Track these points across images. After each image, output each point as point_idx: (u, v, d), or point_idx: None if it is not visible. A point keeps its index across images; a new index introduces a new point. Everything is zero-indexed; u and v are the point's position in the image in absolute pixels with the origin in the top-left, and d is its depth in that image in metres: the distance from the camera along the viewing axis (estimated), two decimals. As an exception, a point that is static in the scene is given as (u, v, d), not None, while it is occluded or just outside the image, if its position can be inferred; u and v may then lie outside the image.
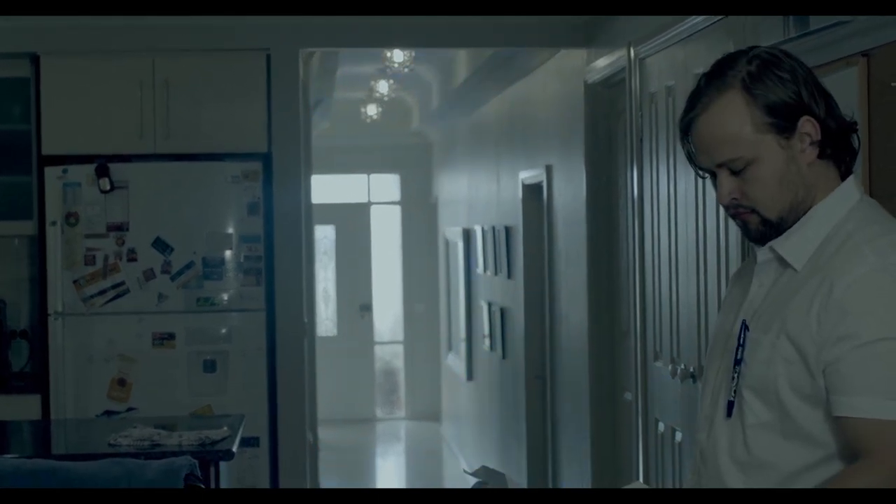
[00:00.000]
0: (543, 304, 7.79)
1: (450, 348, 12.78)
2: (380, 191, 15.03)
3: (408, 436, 14.06)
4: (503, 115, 9.36)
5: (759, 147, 2.34)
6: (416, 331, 14.65)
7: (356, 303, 14.71)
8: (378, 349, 14.86)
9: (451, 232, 12.30)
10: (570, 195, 7.02)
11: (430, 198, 14.33)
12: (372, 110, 12.86)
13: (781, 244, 2.39)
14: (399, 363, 14.88)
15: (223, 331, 6.54)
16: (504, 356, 9.14)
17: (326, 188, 13.89)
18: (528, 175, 8.19)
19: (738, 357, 2.38)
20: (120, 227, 6.51)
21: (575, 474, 7.03)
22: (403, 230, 14.86)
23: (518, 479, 8.58)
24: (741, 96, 2.34)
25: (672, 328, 5.31)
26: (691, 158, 2.44)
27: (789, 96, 2.33)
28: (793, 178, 2.35)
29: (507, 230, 8.89)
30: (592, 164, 6.56)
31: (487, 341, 9.85)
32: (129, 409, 6.43)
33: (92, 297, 6.49)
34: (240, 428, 5.00)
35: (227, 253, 6.56)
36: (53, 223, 6.47)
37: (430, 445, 13.13)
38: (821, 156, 2.36)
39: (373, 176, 15.00)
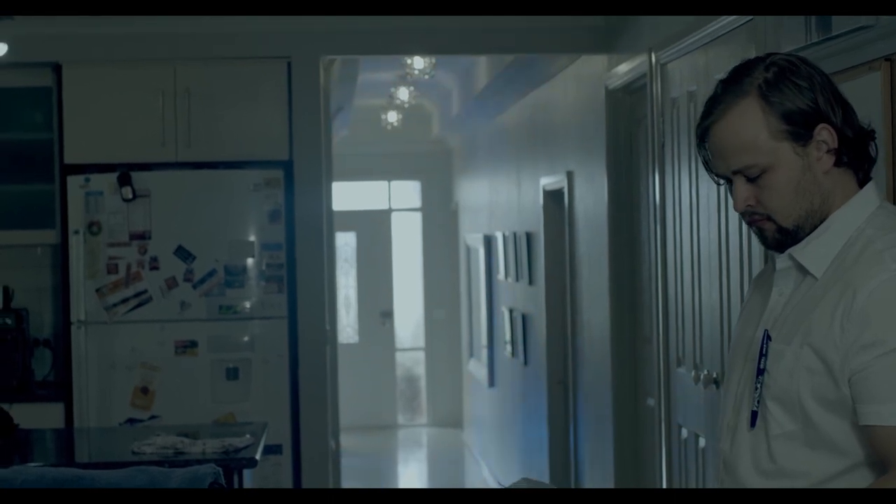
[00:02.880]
0: (565, 309, 7.78)
1: (471, 355, 12.77)
2: (401, 197, 15.03)
3: (429, 442, 14.05)
4: (524, 121, 9.35)
5: (775, 155, 2.33)
6: (437, 337, 14.64)
7: (377, 309, 14.71)
8: (399, 356, 14.85)
9: (472, 238, 12.30)
10: (591, 201, 7.02)
11: (451, 204, 14.33)
12: (392, 117, 12.87)
13: (800, 252, 2.37)
14: (420, 370, 14.88)
15: (245, 338, 6.55)
16: (526, 362, 9.14)
17: (347, 195, 13.91)
18: (549, 181, 8.18)
19: (761, 367, 2.36)
20: (142, 236, 6.53)
21: (598, 481, 7.02)
22: (424, 237, 14.86)
23: (540, 485, 8.56)
24: (758, 103, 2.33)
25: (695, 334, 5.29)
26: (707, 165, 2.43)
27: (806, 104, 2.31)
28: (808, 186, 2.34)
29: (529, 236, 8.88)
30: (614, 170, 6.55)
31: (509, 347, 9.84)
32: (152, 417, 6.45)
33: (114, 305, 6.51)
34: (262, 435, 5.01)
35: (249, 261, 6.57)
36: (76, 232, 6.49)
37: (452, 452, 13.12)
38: (837, 163, 2.34)
39: (394, 183, 15.01)
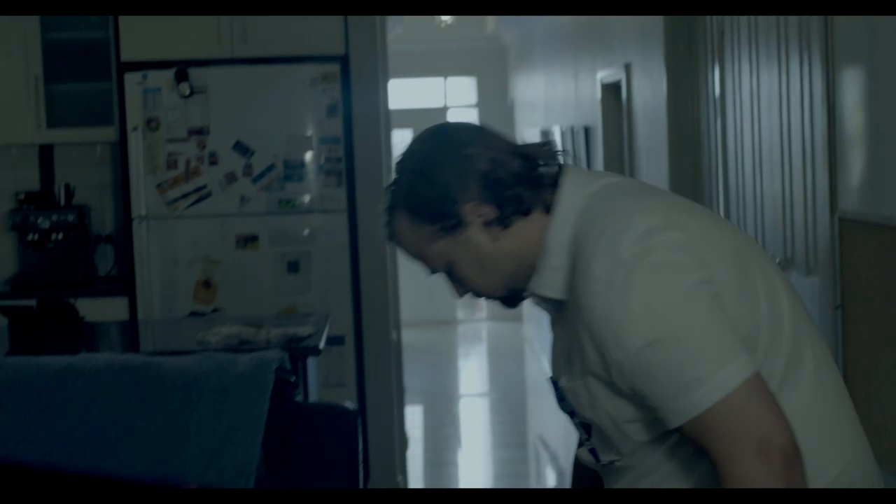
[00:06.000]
0: (624, 203, 7.73)
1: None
2: (456, 94, 14.98)
3: (489, 337, 14.12)
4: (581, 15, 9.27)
5: (443, 255, 2.25)
6: (495, 235, 14.63)
7: (435, 206, 14.69)
8: (458, 252, 14.88)
9: (529, 133, 12.25)
10: (649, 94, 6.96)
11: (507, 100, 14.26)
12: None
13: (537, 284, 2.26)
14: (479, 266, 14.90)
15: (305, 232, 6.58)
16: (584, 256, 9.12)
17: (403, 93, 13.87)
18: (606, 74, 8.12)
19: (570, 410, 2.29)
20: (200, 132, 6.55)
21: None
22: (481, 133, 14.78)
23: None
24: (405, 215, 2.25)
25: (756, 224, 5.27)
26: None
27: (444, 198, 2.20)
28: (491, 261, 2.24)
29: (586, 130, 8.84)
30: (672, 62, 6.48)
31: (567, 242, 9.81)
32: (215, 311, 6.51)
33: (175, 200, 6.55)
34: (325, 326, 5.04)
35: (308, 155, 6.58)
36: (135, 129, 6.52)
37: (511, 346, 13.17)
38: (507, 224, 2.23)
39: (449, 79, 14.95)
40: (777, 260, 4.93)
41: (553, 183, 2.24)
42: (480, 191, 2.20)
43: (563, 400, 2.28)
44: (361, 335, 6.70)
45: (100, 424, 3.28)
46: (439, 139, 2.26)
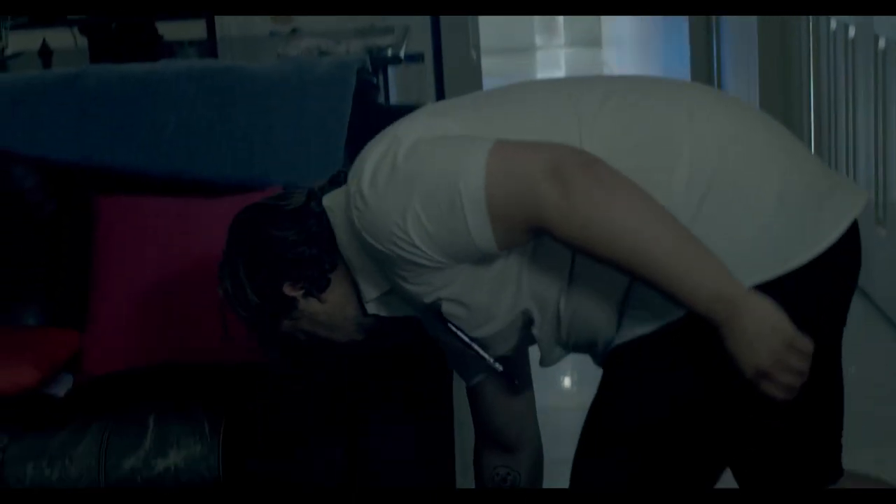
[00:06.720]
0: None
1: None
2: None
3: (567, 65, 13.98)
4: None
5: (296, 330, 2.36)
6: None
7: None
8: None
9: None
10: None
11: None
12: None
13: (365, 294, 2.30)
14: (556, -9, 14.65)
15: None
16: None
17: None
18: None
19: (468, 338, 2.27)
20: None
21: (742, 85, 6.92)
22: None
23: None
24: (249, 316, 2.36)
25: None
26: None
27: (265, 294, 2.32)
28: (333, 319, 2.35)
29: None
30: None
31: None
32: (293, 31, 6.47)
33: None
34: (405, 38, 5.00)
35: None
36: None
37: (590, 72, 13.04)
38: (322, 286, 2.30)
39: None
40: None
41: (326, 222, 2.28)
42: (285, 272, 2.30)
43: (455, 328, 2.26)
44: (441, 53, 6.64)
45: (184, 127, 3.28)
46: (240, 241, 2.34)
